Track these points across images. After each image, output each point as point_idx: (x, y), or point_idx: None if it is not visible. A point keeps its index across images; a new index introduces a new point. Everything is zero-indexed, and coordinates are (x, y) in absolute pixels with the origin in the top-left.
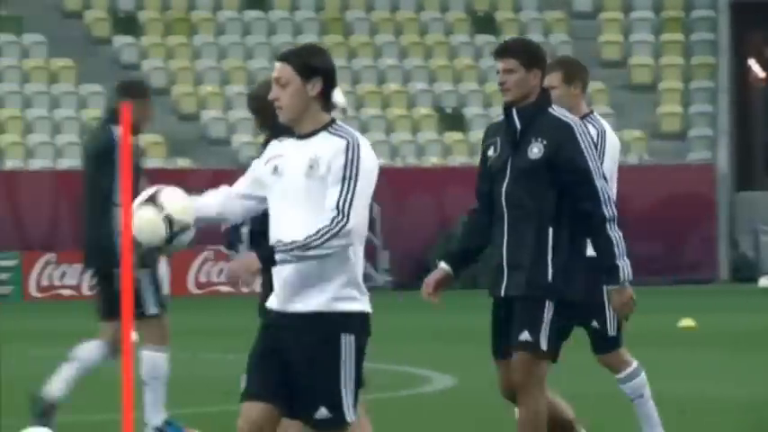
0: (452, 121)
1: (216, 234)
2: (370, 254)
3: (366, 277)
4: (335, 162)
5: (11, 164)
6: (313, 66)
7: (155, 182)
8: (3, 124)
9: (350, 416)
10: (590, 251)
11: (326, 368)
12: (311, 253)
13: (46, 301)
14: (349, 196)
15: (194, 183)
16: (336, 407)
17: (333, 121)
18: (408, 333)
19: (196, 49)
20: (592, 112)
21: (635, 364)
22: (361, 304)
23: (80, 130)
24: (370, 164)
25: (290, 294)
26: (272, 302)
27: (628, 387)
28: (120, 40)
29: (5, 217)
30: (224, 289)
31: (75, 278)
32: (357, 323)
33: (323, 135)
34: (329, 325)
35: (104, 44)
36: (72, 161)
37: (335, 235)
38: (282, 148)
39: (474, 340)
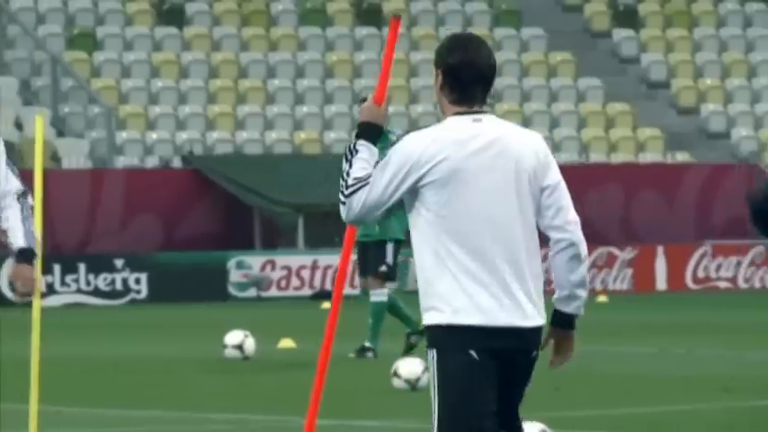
0: None
1: (715, 229)
2: None
3: None
4: None
5: None
6: None
7: (650, 176)
8: (503, 115)
9: None
10: None
11: None
12: None
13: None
14: None
15: (691, 178)
16: None
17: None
18: None
19: (696, 42)
20: None
21: None
22: None
23: (578, 124)
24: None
25: None
26: None
27: None
28: (620, 34)
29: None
30: (722, 285)
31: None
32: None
33: None
34: None
35: (603, 37)
36: (569, 155)
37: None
38: None
39: None
